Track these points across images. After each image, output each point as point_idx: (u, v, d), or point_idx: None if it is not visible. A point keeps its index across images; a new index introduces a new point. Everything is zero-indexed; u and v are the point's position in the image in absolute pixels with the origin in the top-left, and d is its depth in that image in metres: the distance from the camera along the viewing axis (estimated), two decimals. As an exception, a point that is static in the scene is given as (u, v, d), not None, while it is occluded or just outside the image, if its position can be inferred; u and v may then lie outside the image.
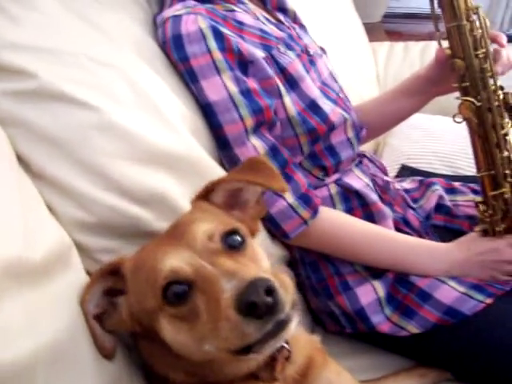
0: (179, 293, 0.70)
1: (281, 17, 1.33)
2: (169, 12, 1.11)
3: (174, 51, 1.07)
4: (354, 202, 1.21)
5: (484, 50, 1.04)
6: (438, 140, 1.84)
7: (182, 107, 1.04)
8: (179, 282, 0.70)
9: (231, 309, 0.64)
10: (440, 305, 1.08)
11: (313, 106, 1.17)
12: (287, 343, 0.82)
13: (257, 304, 0.62)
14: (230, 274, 0.67)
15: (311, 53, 1.27)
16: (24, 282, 0.68)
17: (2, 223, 0.69)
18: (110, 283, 0.79)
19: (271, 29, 1.22)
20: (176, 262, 0.71)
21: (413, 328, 1.09)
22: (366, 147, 1.76)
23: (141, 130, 0.92)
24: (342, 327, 1.19)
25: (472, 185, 1.40)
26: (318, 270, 1.20)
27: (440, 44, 1.10)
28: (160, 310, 0.72)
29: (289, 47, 1.20)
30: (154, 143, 0.92)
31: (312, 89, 1.18)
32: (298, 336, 0.90)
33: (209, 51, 1.06)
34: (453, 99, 1.09)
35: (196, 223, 0.76)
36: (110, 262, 0.80)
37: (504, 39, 1.12)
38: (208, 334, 0.68)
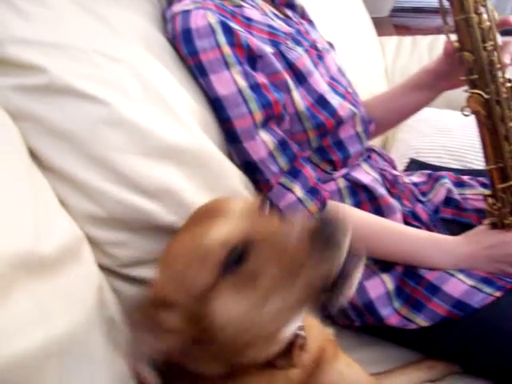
0: (237, 257, 0.68)
1: (289, 12, 1.33)
2: (178, 7, 1.12)
3: (184, 45, 1.08)
4: (362, 196, 1.21)
5: (492, 43, 1.04)
6: (447, 134, 1.84)
7: (191, 101, 1.05)
8: (235, 247, 0.69)
9: (309, 245, 0.67)
10: (449, 298, 1.08)
11: (321, 101, 1.17)
12: (302, 331, 0.83)
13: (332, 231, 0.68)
14: (286, 224, 0.70)
15: (319, 48, 1.27)
16: (36, 275, 0.69)
17: (15, 216, 0.70)
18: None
19: (279, 24, 1.22)
20: (225, 228, 0.70)
21: (421, 321, 1.09)
22: (375, 141, 1.76)
23: (150, 124, 0.92)
24: (351, 320, 1.20)
25: (481, 178, 1.40)
26: (327, 265, 1.20)
27: (448, 37, 1.10)
28: (213, 289, 0.68)
29: (297, 42, 1.20)
30: (163, 137, 0.93)
31: (320, 83, 1.18)
32: (313, 326, 0.91)
33: (218, 46, 1.06)
34: (460, 93, 1.09)
35: (227, 201, 0.76)
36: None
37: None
38: (278, 290, 0.68)
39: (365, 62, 2.10)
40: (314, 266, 0.67)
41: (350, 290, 0.72)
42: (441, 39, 1.14)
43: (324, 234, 0.67)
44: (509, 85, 1.06)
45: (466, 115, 1.08)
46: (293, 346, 0.81)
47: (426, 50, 2.30)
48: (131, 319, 0.71)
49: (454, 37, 1.07)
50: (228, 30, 1.08)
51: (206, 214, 0.77)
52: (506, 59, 1.06)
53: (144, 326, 0.70)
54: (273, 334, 0.75)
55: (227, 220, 0.72)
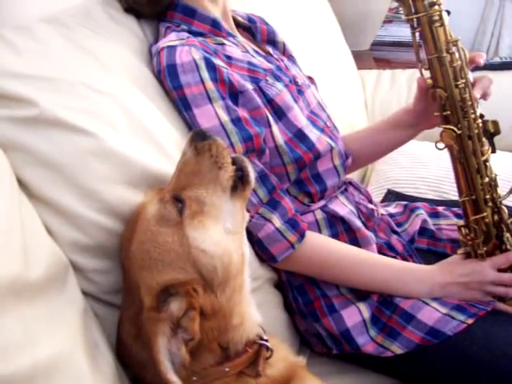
0: (178, 201, 0.85)
1: (269, 49, 1.37)
2: (164, 42, 1.16)
3: (169, 80, 1.11)
4: (340, 228, 1.24)
5: (464, 81, 1.08)
6: (424, 165, 1.88)
7: (174, 133, 1.09)
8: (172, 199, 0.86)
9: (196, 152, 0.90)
10: (423, 325, 1.11)
11: (300, 135, 1.20)
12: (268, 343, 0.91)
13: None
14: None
15: (299, 83, 1.31)
16: (23, 300, 0.71)
17: (3, 243, 0.72)
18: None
19: (260, 61, 1.26)
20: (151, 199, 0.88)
21: (397, 348, 1.12)
22: (355, 173, 1.78)
23: (135, 155, 0.96)
24: (329, 348, 1.22)
25: (455, 209, 1.43)
26: (305, 293, 1.23)
27: (422, 74, 1.14)
28: (180, 226, 0.82)
29: (277, 78, 1.24)
30: (147, 167, 0.96)
31: (299, 118, 1.22)
32: (281, 346, 0.96)
33: (202, 81, 1.10)
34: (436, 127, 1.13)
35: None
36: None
37: (482, 58, 1.15)
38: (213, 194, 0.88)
39: (345, 95, 2.13)
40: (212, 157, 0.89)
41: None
42: (419, 73, 1.19)
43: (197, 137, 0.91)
44: (480, 121, 1.10)
45: (440, 149, 1.12)
46: (259, 356, 0.88)
47: (404, 84, 2.34)
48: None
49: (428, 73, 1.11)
50: (211, 66, 1.11)
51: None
52: (477, 93, 1.10)
53: (160, 330, 0.76)
54: (240, 268, 0.88)
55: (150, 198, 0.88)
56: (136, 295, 0.81)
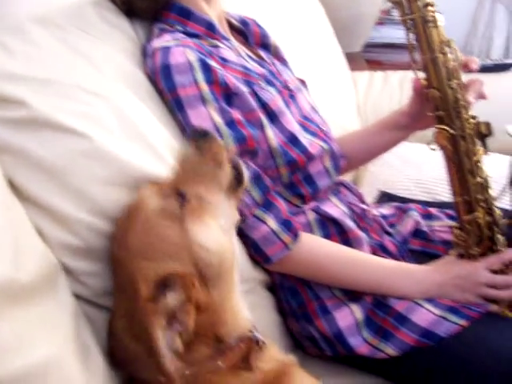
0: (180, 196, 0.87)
1: (262, 53, 1.37)
2: (158, 42, 1.15)
3: (163, 80, 1.11)
4: (332, 229, 1.24)
5: (457, 81, 1.08)
6: (416, 167, 1.89)
7: (167, 135, 1.08)
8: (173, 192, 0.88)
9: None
10: (416, 327, 1.11)
11: (293, 140, 1.20)
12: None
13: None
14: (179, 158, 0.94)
15: (291, 88, 1.31)
16: (14, 302, 0.71)
17: (-7, 246, 0.71)
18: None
19: (253, 65, 1.26)
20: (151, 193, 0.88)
21: (390, 350, 1.12)
22: (347, 174, 1.79)
23: (127, 156, 0.95)
24: (322, 350, 1.22)
25: (448, 210, 1.43)
26: (297, 295, 1.22)
27: (416, 74, 1.14)
28: (181, 220, 0.84)
29: (269, 83, 1.24)
30: (140, 169, 0.96)
31: (292, 123, 1.22)
32: (272, 344, 0.96)
33: (196, 82, 1.10)
34: (429, 128, 1.13)
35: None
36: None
37: (475, 63, 1.15)
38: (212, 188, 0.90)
39: (337, 97, 2.14)
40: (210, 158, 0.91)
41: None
42: (411, 75, 1.19)
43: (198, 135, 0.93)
44: (473, 121, 1.11)
45: (433, 149, 1.12)
46: (251, 350, 0.89)
47: (396, 85, 2.35)
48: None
49: (422, 74, 1.11)
50: (206, 68, 1.11)
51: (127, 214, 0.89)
52: (471, 97, 1.10)
53: (156, 321, 0.77)
54: (232, 265, 0.90)
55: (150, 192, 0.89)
56: (130, 288, 0.80)
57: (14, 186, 0.86)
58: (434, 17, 1.06)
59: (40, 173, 0.88)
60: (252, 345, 0.90)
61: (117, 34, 1.19)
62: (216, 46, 1.22)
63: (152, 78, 1.14)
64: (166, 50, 1.12)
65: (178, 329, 0.78)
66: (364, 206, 1.35)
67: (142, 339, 0.77)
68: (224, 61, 1.19)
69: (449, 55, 1.08)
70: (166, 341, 0.76)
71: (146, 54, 1.18)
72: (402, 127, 1.36)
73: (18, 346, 0.69)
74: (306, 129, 1.26)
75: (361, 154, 1.47)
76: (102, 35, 1.15)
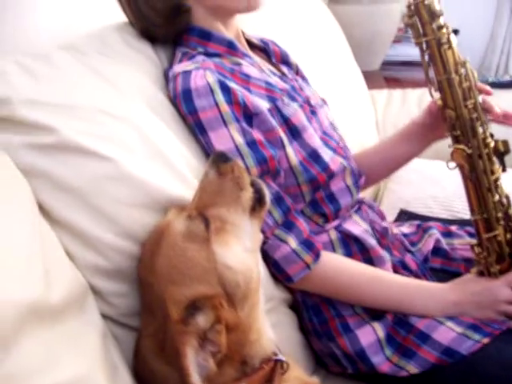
0: (204, 222, 0.88)
1: (284, 69, 1.39)
2: (179, 67, 1.17)
3: (184, 104, 1.13)
4: (354, 248, 1.24)
5: (473, 101, 1.10)
6: (436, 184, 1.88)
7: (190, 158, 1.10)
8: (195, 216, 0.90)
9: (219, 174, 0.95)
10: (438, 345, 1.11)
11: (314, 156, 1.21)
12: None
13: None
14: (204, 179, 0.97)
15: (313, 104, 1.32)
16: (44, 322, 0.73)
17: (26, 267, 0.74)
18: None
19: (275, 81, 1.27)
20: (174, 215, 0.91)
21: (412, 368, 1.12)
22: (367, 192, 1.80)
23: (151, 178, 0.97)
24: (344, 368, 1.22)
25: (468, 228, 1.43)
26: (320, 313, 1.23)
27: (432, 95, 1.15)
28: (209, 249, 0.85)
29: (292, 98, 1.25)
30: (163, 190, 0.98)
31: (314, 138, 1.23)
32: (295, 365, 0.98)
33: (216, 104, 1.12)
34: (448, 144, 1.14)
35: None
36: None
37: (488, 88, 1.18)
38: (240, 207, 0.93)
39: (356, 115, 2.14)
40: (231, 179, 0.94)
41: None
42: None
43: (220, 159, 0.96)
44: (490, 140, 1.12)
45: (451, 169, 1.13)
46: (274, 372, 0.90)
47: (415, 103, 2.35)
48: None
49: (438, 94, 1.13)
50: (226, 89, 1.13)
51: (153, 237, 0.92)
52: (496, 109, 1.14)
53: (188, 342, 0.78)
54: (258, 285, 0.92)
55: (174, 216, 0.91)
56: (159, 310, 0.82)
57: (43, 209, 0.89)
58: (448, 38, 1.07)
59: (68, 196, 0.91)
60: (275, 366, 0.91)
61: (140, 58, 1.22)
62: (238, 64, 1.24)
63: (174, 102, 1.16)
64: (187, 74, 1.14)
65: (210, 350, 0.79)
66: (385, 224, 1.35)
67: (173, 361, 0.78)
68: (247, 77, 1.21)
69: (464, 76, 1.10)
70: (197, 362, 0.77)
71: (168, 78, 1.20)
72: (415, 137, 1.37)
73: (48, 365, 0.71)
74: (326, 144, 1.27)
75: (377, 168, 1.47)
76: (126, 59, 1.18)
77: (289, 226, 1.15)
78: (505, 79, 2.42)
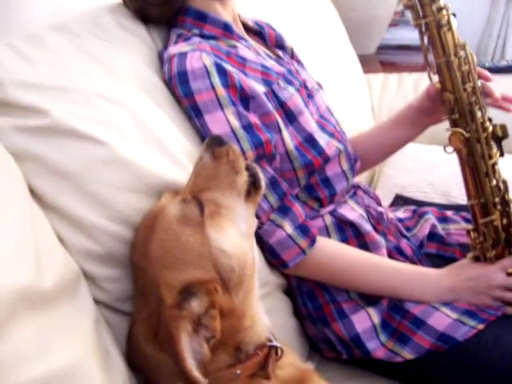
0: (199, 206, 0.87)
1: (280, 53, 1.38)
2: (175, 49, 1.16)
3: (179, 87, 1.12)
4: (349, 233, 1.24)
5: (472, 84, 1.09)
6: (432, 169, 1.88)
7: (183, 141, 1.09)
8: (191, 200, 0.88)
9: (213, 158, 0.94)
10: (433, 331, 1.11)
11: (310, 140, 1.20)
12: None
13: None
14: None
15: (309, 87, 1.31)
16: (36, 308, 0.72)
17: (16, 252, 0.73)
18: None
19: (271, 64, 1.26)
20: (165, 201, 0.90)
21: (407, 354, 1.12)
22: (362, 177, 1.79)
23: (146, 162, 0.96)
24: (339, 353, 1.22)
25: (464, 213, 1.43)
26: (315, 298, 1.23)
27: (430, 79, 1.14)
28: (202, 227, 0.85)
29: (288, 82, 1.24)
30: (158, 175, 0.97)
31: (310, 122, 1.22)
32: (290, 351, 0.98)
33: (213, 87, 1.10)
34: (445, 128, 1.13)
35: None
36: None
37: (488, 73, 1.18)
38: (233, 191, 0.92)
39: (352, 99, 2.13)
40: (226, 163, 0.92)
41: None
42: (425, 77, 1.18)
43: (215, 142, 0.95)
44: (488, 124, 1.11)
45: (448, 153, 1.12)
46: (269, 358, 0.89)
47: (411, 88, 2.33)
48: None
49: (436, 77, 1.11)
50: (222, 72, 1.12)
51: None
52: (496, 93, 1.14)
53: (182, 327, 0.77)
54: (252, 271, 0.91)
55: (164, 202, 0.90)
56: (152, 295, 0.82)
57: (35, 194, 0.88)
58: (448, 20, 1.06)
59: (60, 180, 0.89)
60: (270, 352, 0.90)
61: (134, 40, 1.21)
62: (234, 46, 1.22)
63: (169, 85, 1.15)
64: (182, 55, 1.13)
65: (204, 335, 0.79)
66: (381, 209, 1.35)
67: (167, 346, 0.78)
68: (243, 60, 1.20)
69: (463, 58, 1.08)
70: (191, 346, 0.76)
71: (163, 60, 1.19)
72: (410, 121, 1.37)
73: (41, 351, 0.70)
74: (323, 128, 1.26)
75: (373, 152, 1.47)
76: (119, 42, 1.17)
77: (284, 210, 1.14)
78: (502, 64, 2.40)
